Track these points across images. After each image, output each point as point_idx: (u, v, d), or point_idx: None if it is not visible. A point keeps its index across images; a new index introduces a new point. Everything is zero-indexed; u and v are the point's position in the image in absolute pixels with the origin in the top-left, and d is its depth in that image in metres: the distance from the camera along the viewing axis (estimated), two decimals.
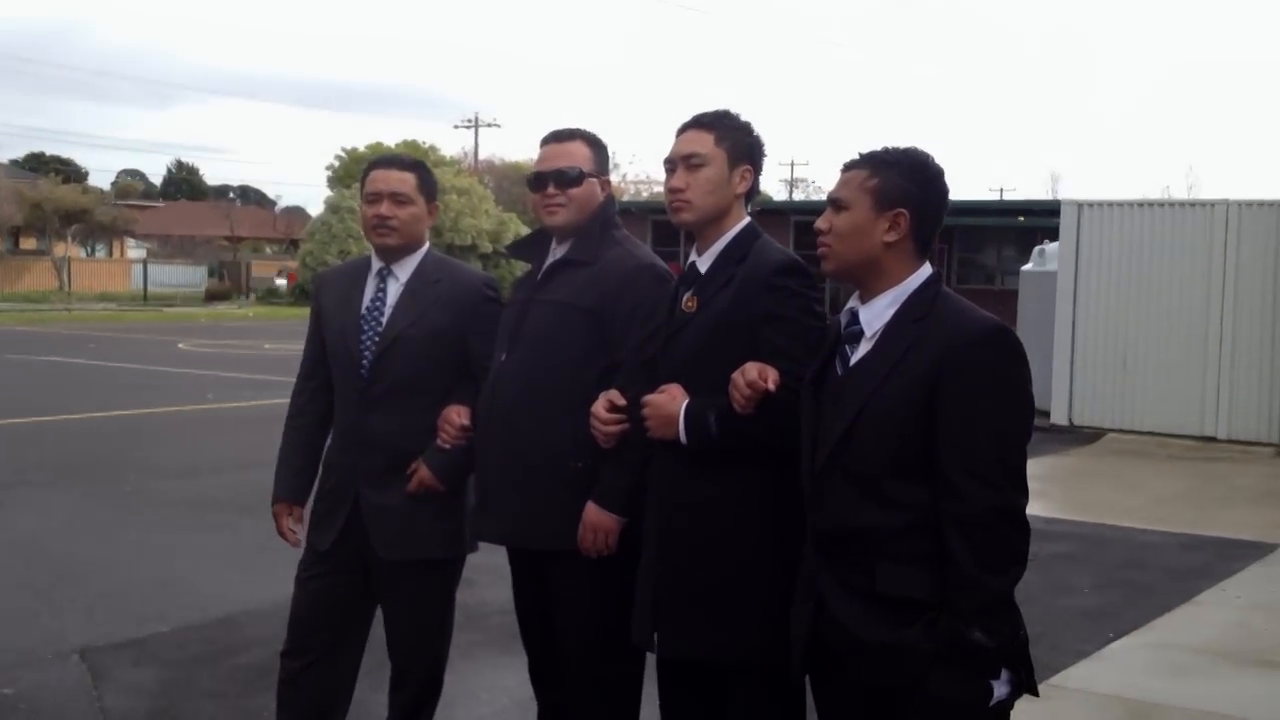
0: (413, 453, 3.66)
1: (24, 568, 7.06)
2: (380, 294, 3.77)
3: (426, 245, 3.85)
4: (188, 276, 53.49)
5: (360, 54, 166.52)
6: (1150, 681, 5.44)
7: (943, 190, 2.71)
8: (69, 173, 61.89)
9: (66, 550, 7.47)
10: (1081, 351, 13.71)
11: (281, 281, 50.51)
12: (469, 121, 62.30)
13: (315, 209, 55.76)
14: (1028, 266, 15.61)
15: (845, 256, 2.69)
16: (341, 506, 3.75)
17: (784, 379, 2.83)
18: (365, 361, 3.72)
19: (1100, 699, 5.16)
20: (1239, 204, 13.13)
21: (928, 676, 2.49)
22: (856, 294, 2.73)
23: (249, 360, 21.85)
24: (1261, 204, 13.06)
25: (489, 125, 72.99)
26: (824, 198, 2.83)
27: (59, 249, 50.19)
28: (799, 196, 64.55)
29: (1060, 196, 31.48)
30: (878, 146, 2.72)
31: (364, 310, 3.76)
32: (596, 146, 3.58)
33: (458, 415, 3.63)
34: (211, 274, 54.28)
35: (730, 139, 3.16)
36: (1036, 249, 15.77)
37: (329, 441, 3.90)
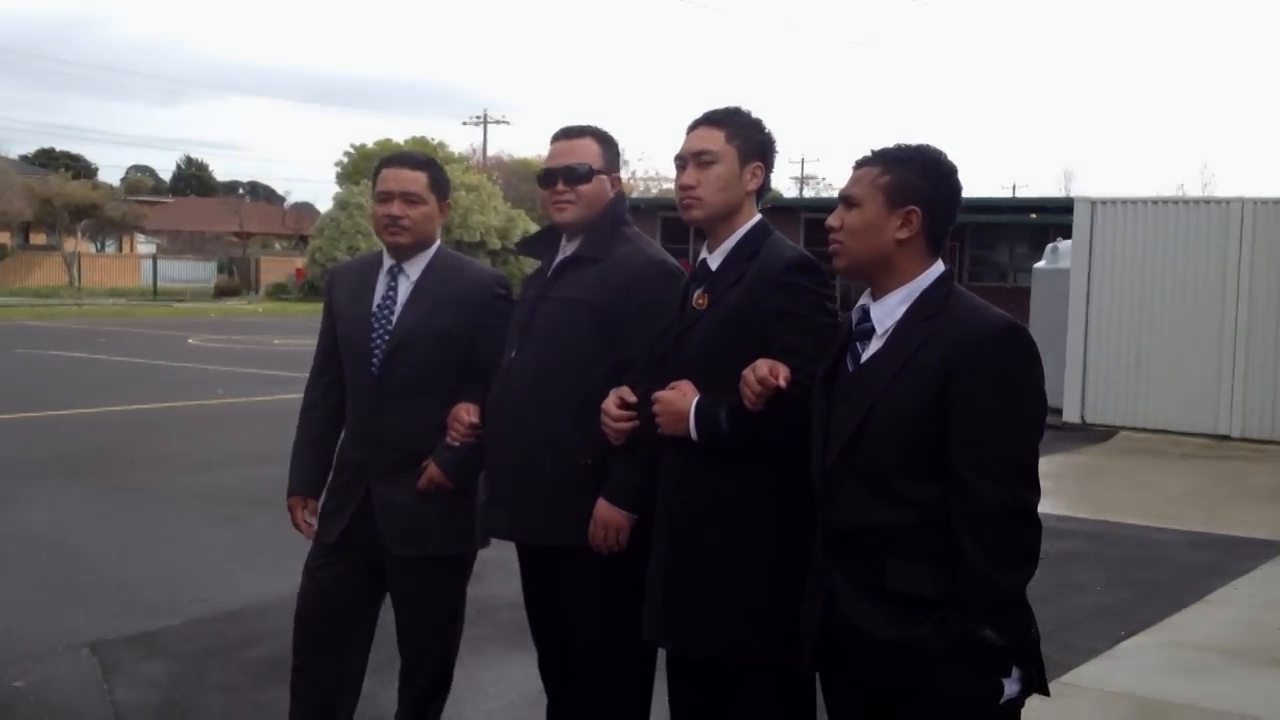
0: (423, 450, 3.67)
1: (35, 561, 7.07)
2: (391, 292, 3.77)
3: (438, 243, 3.85)
4: (197, 272, 53.60)
5: (370, 50, 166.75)
6: (1162, 680, 5.43)
7: (955, 187, 2.70)
8: (79, 168, 62.13)
9: (77, 544, 7.49)
10: (1094, 349, 13.68)
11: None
12: (477, 118, 62.37)
13: (324, 205, 55.87)
14: (1040, 264, 15.57)
15: (857, 254, 2.69)
16: (350, 501, 3.76)
17: (795, 376, 2.82)
18: (376, 359, 3.72)
19: (1112, 697, 5.15)
20: (1254, 202, 13.08)
21: (938, 674, 2.49)
22: (868, 291, 2.73)
23: (258, 355, 21.88)
24: (1276, 202, 13.00)
25: (497, 122, 72.80)
26: (835, 195, 2.82)
27: (69, 244, 50.31)
28: (809, 194, 64.52)
29: (1074, 194, 31.48)
30: (890, 144, 2.72)
31: (375, 308, 3.77)
32: (607, 143, 3.57)
33: (467, 413, 3.63)
34: (221, 270, 54.37)
35: (741, 136, 3.15)
36: (1049, 246, 15.74)
37: (342, 436, 3.91)
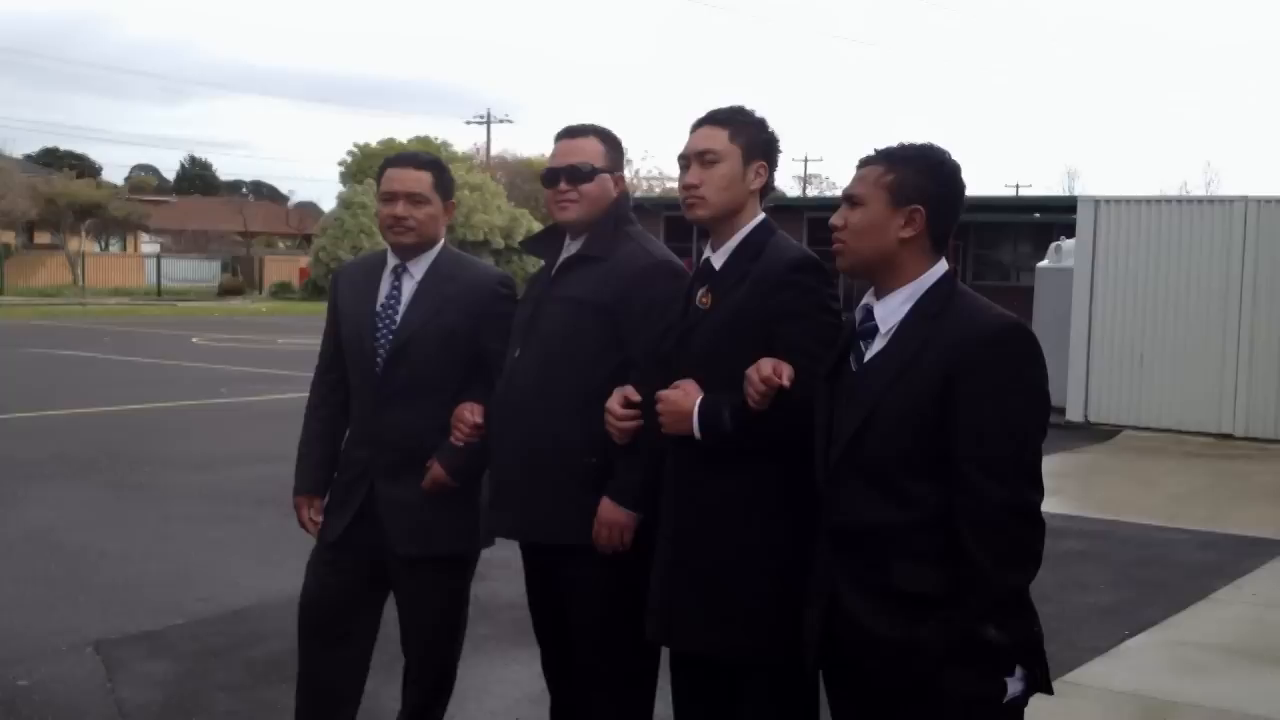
0: (427, 449, 3.67)
1: (39, 560, 7.09)
2: (395, 291, 3.77)
3: (442, 242, 3.85)
4: (201, 271, 53.61)
5: (373, 50, 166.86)
6: (1166, 679, 5.43)
7: (959, 186, 2.70)
8: (83, 168, 62.05)
9: (82, 543, 7.50)
10: (1098, 348, 13.68)
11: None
12: (481, 117, 62.43)
13: (328, 204, 55.92)
14: (1044, 263, 15.55)
15: (860, 253, 2.68)
16: (353, 500, 3.76)
17: (799, 375, 2.82)
18: (379, 359, 3.73)
19: (1115, 696, 5.14)
20: (1257, 201, 13.07)
21: (941, 674, 2.48)
22: (871, 290, 2.73)
23: (262, 355, 21.90)
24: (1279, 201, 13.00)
25: (501, 121, 72.90)
26: (838, 194, 2.82)
27: (73, 244, 50.31)
28: (813, 193, 64.43)
29: (1077, 193, 31.46)
30: (893, 142, 2.72)
31: (378, 307, 3.77)
32: (610, 143, 3.57)
33: (471, 413, 3.63)
34: (225, 269, 54.39)
35: (745, 135, 3.15)
36: (1053, 245, 15.72)
37: (346, 435, 3.91)
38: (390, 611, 3.89)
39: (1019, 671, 2.51)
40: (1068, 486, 10.18)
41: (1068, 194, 43.55)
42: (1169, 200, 14.02)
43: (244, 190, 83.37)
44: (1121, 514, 9.20)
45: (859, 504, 2.62)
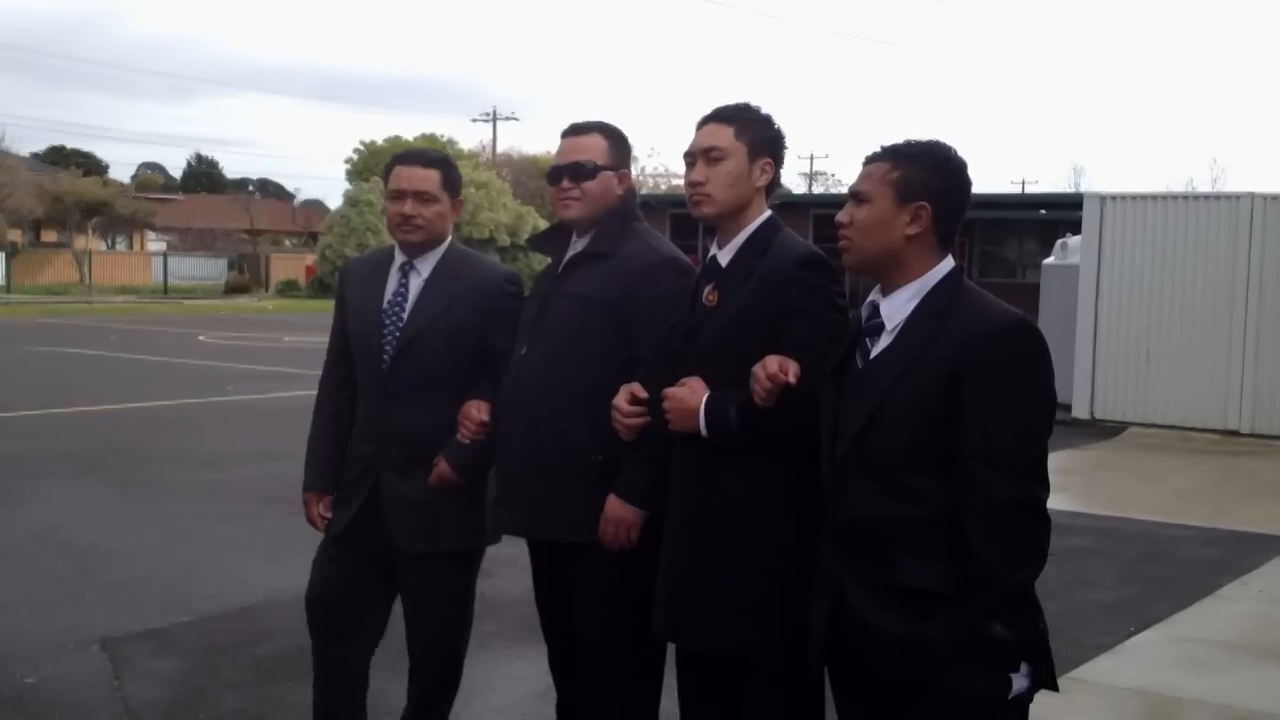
0: (433, 446, 3.67)
1: (46, 558, 7.10)
2: (402, 288, 3.78)
3: (449, 239, 3.85)
4: (207, 269, 53.69)
5: (379, 47, 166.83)
6: (1171, 675, 5.42)
7: (965, 183, 2.70)
8: (89, 166, 62.15)
9: (88, 540, 7.52)
10: (1104, 345, 13.66)
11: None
12: (487, 115, 62.42)
13: (334, 202, 55.87)
14: (1050, 260, 15.53)
15: (866, 250, 2.69)
16: (358, 496, 3.77)
17: (805, 372, 2.82)
18: (386, 356, 3.73)
19: (1121, 693, 5.14)
20: (1264, 197, 13.04)
21: (947, 670, 2.49)
22: (878, 287, 2.73)
23: (269, 353, 21.92)
24: None
25: (507, 118, 72.75)
26: (844, 191, 2.82)
27: (80, 242, 50.42)
28: (818, 190, 64.36)
29: (1083, 189, 31.36)
30: (899, 139, 2.72)
31: (386, 304, 3.77)
32: (615, 139, 3.56)
33: (478, 410, 3.64)
34: (231, 267, 54.46)
35: (750, 132, 3.15)
36: (1059, 242, 15.69)
37: (354, 431, 3.92)
38: (396, 608, 3.90)
39: (1024, 668, 2.51)
40: (1073, 483, 10.18)
41: (1073, 190, 43.48)
42: (1175, 197, 14.01)
43: (250, 188, 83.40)
44: (1127, 510, 9.19)
45: (865, 500, 2.62)
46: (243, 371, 18.38)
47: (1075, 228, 14.88)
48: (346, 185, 49.50)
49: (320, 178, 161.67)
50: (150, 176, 78.55)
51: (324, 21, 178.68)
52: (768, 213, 3.19)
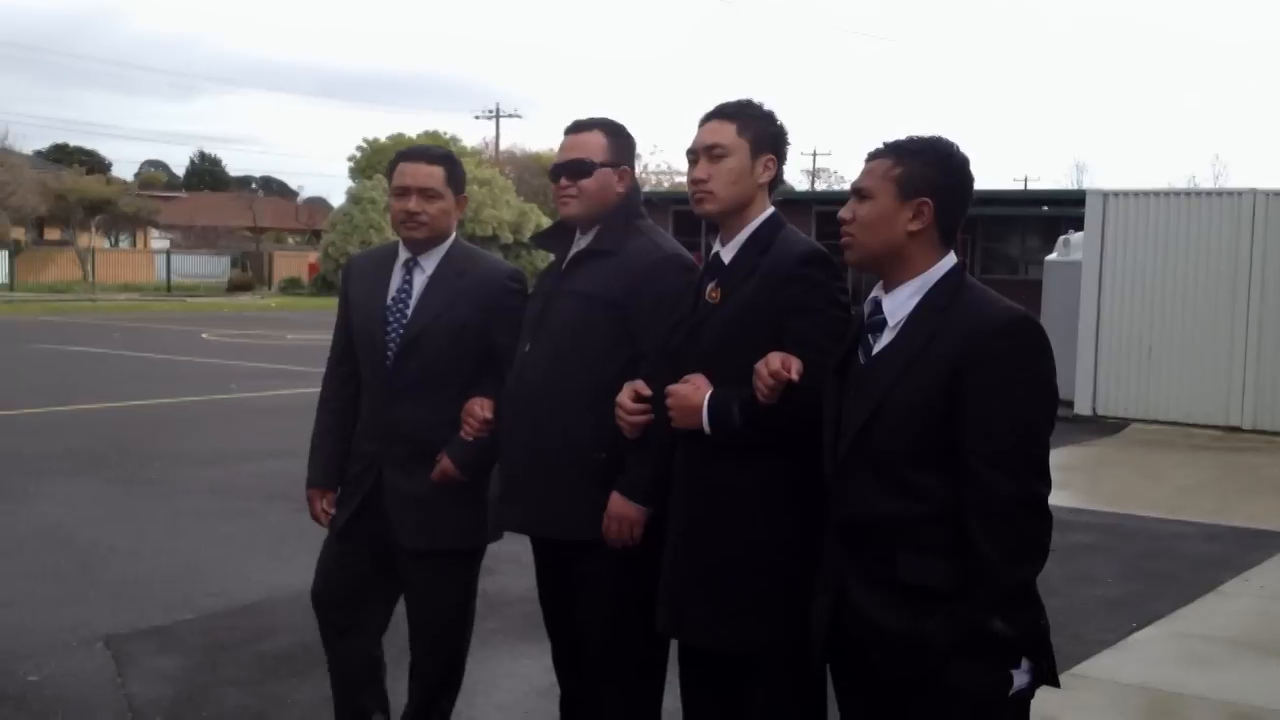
0: (436, 443, 3.67)
1: (50, 556, 7.11)
2: (406, 285, 3.78)
3: (453, 236, 3.85)
4: (210, 267, 53.69)
5: (382, 45, 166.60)
6: (1173, 672, 5.42)
7: (967, 179, 2.70)
8: (93, 164, 62.19)
9: (91, 538, 7.53)
10: (1106, 341, 13.66)
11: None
12: (490, 112, 62.42)
13: (337, 200, 55.87)
14: (1052, 256, 15.53)
15: (868, 246, 2.69)
16: (360, 492, 3.78)
17: (808, 369, 2.82)
18: (390, 353, 3.73)
19: (1122, 689, 5.15)
20: (1265, 194, 13.04)
21: (948, 666, 2.49)
22: (880, 283, 2.73)
23: (272, 350, 21.94)
24: None
25: (510, 116, 72.68)
26: (846, 187, 2.82)
27: (83, 240, 50.43)
28: (821, 186, 64.37)
29: (1085, 186, 31.35)
30: (902, 136, 2.72)
31: (389, 301, 3.77)
32: (617, 136, 3.54)
33: (481, 408, 3.64)
34: (234, 264, 54.48)
35: (753, 129, 3.15)
36: (1061, 239, 15.69)
37: (358, 428, 3.92)
38: (398, 605, 3.91)
39: (1026, 664, 2.52)
40: (1075, 479, 10.18)
41: (1076, 187, 43.50)
42: (1177, 193, 13.99)
43: (253, 186, 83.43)
44: (1129, 507, 9.19)
45: (867, 496, 2.62)
46: (246, 369, 18.38)
47: (1078, 224, 14.87)
48: (349, 183, 49.52)
49: (323, 175, 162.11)
50: (153, 174, 78.58)
51: (326, 19, 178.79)
52: (770, 209, 3.19)
